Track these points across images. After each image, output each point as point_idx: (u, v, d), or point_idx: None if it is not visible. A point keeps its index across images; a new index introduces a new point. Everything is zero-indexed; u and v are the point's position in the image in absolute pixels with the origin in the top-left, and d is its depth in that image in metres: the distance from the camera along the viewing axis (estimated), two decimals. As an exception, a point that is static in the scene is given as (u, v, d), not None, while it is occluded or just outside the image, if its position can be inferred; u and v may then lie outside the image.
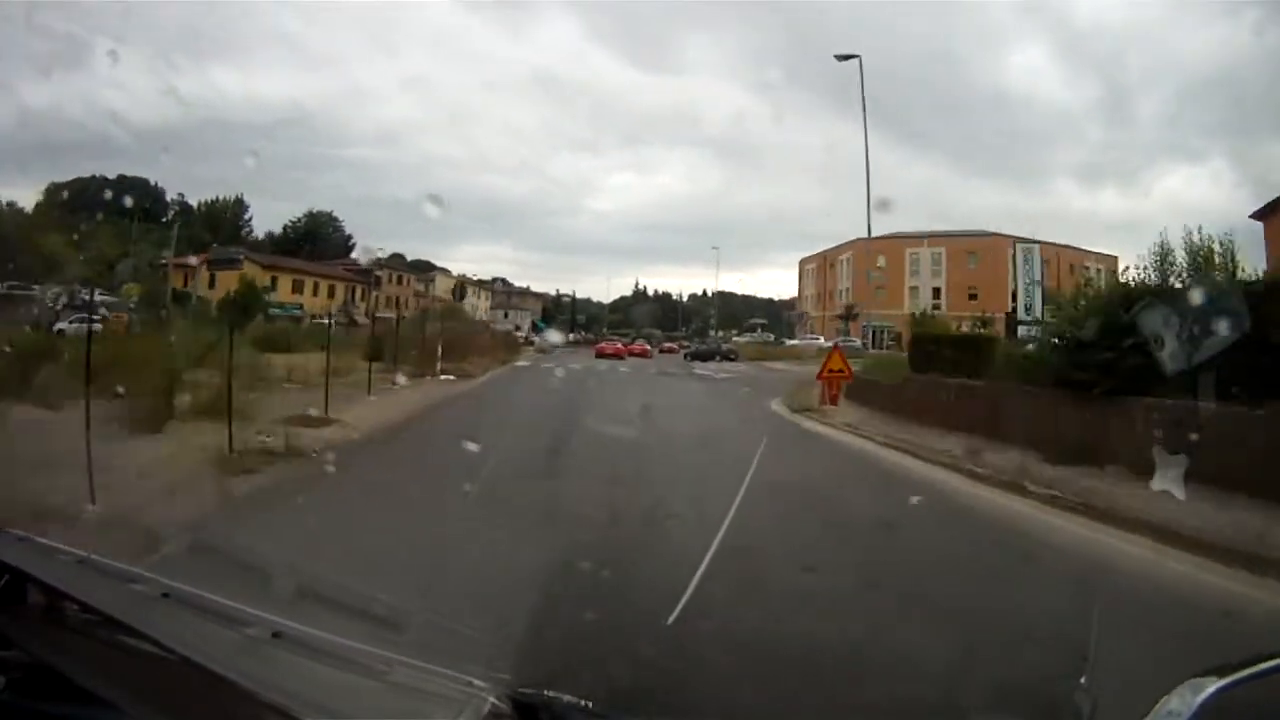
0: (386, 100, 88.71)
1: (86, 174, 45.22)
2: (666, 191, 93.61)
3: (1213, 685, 1.00)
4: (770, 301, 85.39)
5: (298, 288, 48.43)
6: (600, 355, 38.72)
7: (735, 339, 57.89)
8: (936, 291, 51.31)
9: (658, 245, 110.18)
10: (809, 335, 50.14)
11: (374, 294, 53.17)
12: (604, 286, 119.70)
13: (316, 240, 56.48)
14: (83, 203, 40.25)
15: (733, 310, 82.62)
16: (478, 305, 71.05)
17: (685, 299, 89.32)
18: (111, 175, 46.78)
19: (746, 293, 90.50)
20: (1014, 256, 49.80)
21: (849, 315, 49.33)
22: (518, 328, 65.07)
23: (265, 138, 56.72)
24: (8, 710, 1.10)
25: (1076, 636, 2.54)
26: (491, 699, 0.95)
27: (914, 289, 51.69)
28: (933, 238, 51.81)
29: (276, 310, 38.96)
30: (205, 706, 0.98)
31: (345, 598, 1.84)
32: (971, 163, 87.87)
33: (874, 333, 45.34)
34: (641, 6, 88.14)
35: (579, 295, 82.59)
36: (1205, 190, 62.56)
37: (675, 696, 2.23)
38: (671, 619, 2.93)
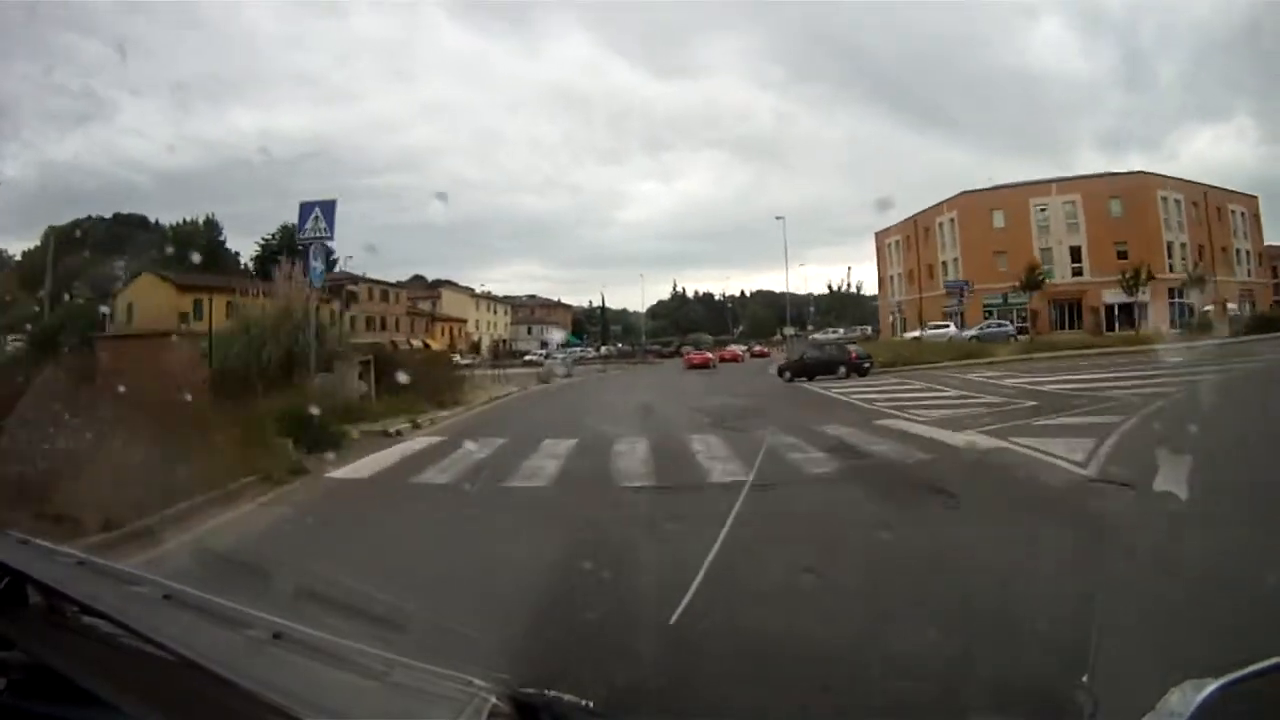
0: (409, 127, 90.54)
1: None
2: (694, 197, 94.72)
3: (1213, 685, 1.00)
4: (814, 296, 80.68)
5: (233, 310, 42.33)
6: (691, 366, 37.53)
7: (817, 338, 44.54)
8: (1075, 252, 39.44)
9: (690, 251, 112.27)
10: (935, 325, 36.79)
11: (344, 314, 45.96)
12: (639, 295, 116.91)
13: (297, 256, 51.99)
14: (86, 243, 41.37)
15: (778, 308, 77.37)
16: (494, 323, 67.31)
17: (728, 300, 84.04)
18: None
19: (788, 290, 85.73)
20: (1163, 201, 38.50)
21: (1032, 283, 37.04)
22: (544, 345, 60.60)
23: (291, 173, 56.70)
24: (8, 711, 1.10)
25: (1076, 634, 2.54)
26: (492, 699, 0.95)
27: (1046, 251, 39.77)
28: (1062, 183, 40.31)
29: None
30: (206, 707, 0.98)
31: (345, 598, 1.85)
32: (993, 141, 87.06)
33: (994, 313, 37.17)
34: (653, 13, 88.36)
35: (614, 306, 79.11)
36: (1231, 149, 61.94)
37: (675, 692, 2.23)
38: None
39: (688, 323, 77.15)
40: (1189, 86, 67.28)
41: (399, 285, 55.12)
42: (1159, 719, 1.02)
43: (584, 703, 1.02)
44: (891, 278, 51.79)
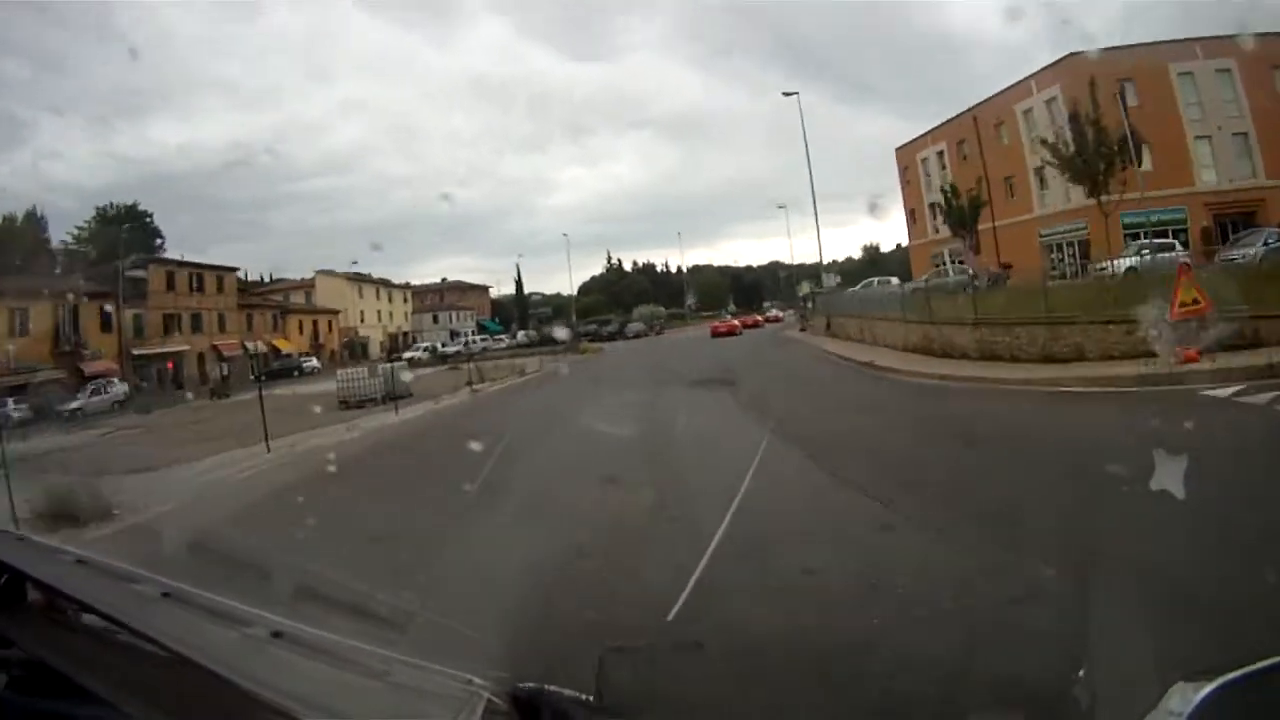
0: (331, 128, 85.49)
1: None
2: (621, 179, 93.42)
3: (1212, 684, 1.00)
4: (748, 269, 75.81)
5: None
6: (716, 334, 36.57)
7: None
8: (1240, 142, 27.85)
9: (621, 234, 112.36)
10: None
11: (119, 311, 35.82)
12: (573, 278, 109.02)
13: (114, 247, 40.75)
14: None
15: (708, 284, 71.73)
16: (390, 313, 57.37)
17: (679, 270, 74.96)
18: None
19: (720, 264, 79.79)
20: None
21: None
22: (454, 335, 52.59)
23: (216, 183, 53.46)
24: (7, 709, 1.11)
25: (1075, 632, 2.55)
26: (490, 696, 0.95)
27: (1202, 140, 27.94)
28: (1208, 42, 27.31)
29: None
30: (205, 706, 0.98)
31: (345, 597, 1.85)
32: (927, 109, 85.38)
33: (1143, 235, 23.89)
34: None
35: (548, 290, 69.86)
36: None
37: (674, 687, 2.23)
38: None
39: (630, 296, 65.97)
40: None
41: (223, 269, 43.53)
42: (1159, 718, 1.02)
43: (583, 696, 1.02)
44: (932, 207, 36.47)
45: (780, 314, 49.25)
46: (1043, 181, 31.06)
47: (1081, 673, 2.13)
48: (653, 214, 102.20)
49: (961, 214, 29.30)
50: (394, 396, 18.68)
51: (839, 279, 36.44)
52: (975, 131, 34.55)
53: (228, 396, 27.97)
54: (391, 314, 58.77)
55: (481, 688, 0.97)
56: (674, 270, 75.69)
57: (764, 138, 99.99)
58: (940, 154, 38.32)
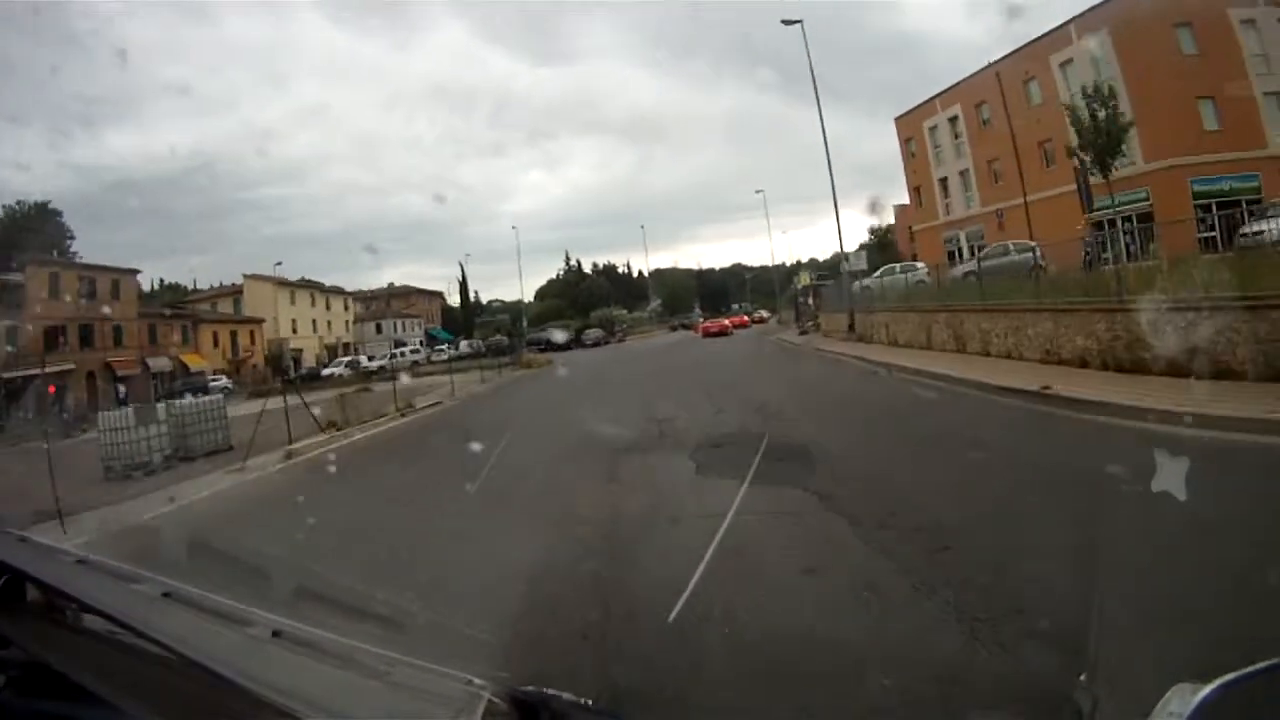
0: (290, 135, 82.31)
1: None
2: (580, 183, 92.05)
3: (1213, 685, 1.00)
4: (711, 271, 72.71)
5: None
6: (708, 334, 35.42)
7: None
8: None
9: (580, 238, 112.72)
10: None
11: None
12: (530, 283, 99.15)
13: (16, 248, 34.62)
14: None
15: (672, 286, 67.44)
16: (329, 321, 51.05)
17: (636, 276, 70.19)
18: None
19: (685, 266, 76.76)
20: None
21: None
22: (398, 347, 46.68)
23: (174, 191, 50.23)
24: (6, 709, 1.10)
25: (1076, 633, 2.54)
26: (491, 697, 0.95)
27: (1271, 97, 23.31)
28: None
29: None
30: (205, 706, 0.99)
31: (345, 597, 1.85)
32: (884, 108, 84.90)
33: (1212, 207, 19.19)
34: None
35: (508, 298, 64.29)
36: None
37: (674, 690, 2.21)
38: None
39: (590, 299, 60.03)
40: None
41: (121, 271, 35.95)
42: None
43: (583, 700, 1.02)
44: (942, 181, 32.23)
45: (765, 315, 47.07)
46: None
47: (1083, 676, 2.12)
48: (614, 218, 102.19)
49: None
50: (187, 456, 13.08)
51: (862, 260, 27.77)
52: (999, 91, 27.98)
53: (83, 432, 19.31)
54: (330, 323, 52.44)
55: (482, 688, 0.97)
56: (636, 274, 70.96)
57: (724, 139, 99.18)
58: (953, 120, 31.84)
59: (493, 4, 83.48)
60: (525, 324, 51.71)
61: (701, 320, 45.10)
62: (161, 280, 54.18)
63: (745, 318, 45.70)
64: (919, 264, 23.98)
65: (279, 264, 50.32)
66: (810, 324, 29.14)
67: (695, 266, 79.32)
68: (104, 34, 64.17)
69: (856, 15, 74.01)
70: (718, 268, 76.74)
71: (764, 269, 62.78)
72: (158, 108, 79.27)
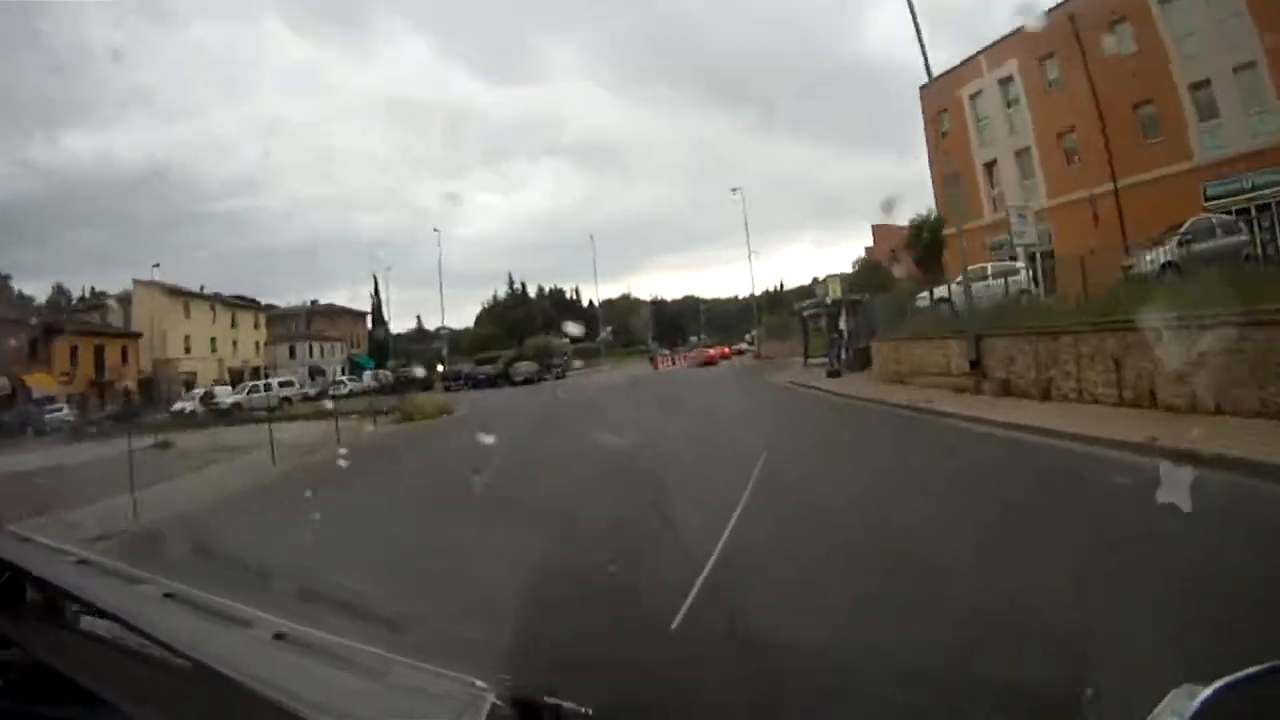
0: (246, 146, 76.90)
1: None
2: (534, 208, 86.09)
3: (1213, 686, 1.00)
4: (668, 303, 66.94)
5: None
6: (707, 363, 35.12)
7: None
8: None
9: (532, 266, 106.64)
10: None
11: None
12: (443, 306, 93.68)
13: None
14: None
15: (626, 315, 61.45)
16: (237, 340, 44.93)
17: (586, 305, 63.11)
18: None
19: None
20: None
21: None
22: (314, 374, 41.93)
23: (124, 199, 45.65)
24: (8, 710, 1.10)
25: (1078, 638, 2.54)
26: (493, 699, 0.95)
27: None
28: None
29: None
30: (206, 707, 0.98)
31: (347, 598, 1.84)
32: (840, 135, 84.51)
33: None
34: (489, 18, 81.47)
35: (456, 326, 56.96)
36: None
37: (675, 692, 2.21)
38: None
39: (533, 326, 52.44)
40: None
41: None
42: None
43: (584, 710, 1.02)
44: (988, 166, 24.40)
45: (744, 346, 45.08)
46: (1205, 109, 18.57)
47: (1089, 690, 2.12)
48: (568, 244, 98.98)
49: None
50: None
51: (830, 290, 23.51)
52: (1075, 39, 19.98)
53: None
54: (236, 342, 45.67)
55: (483, 690, 0.97)
56: (586, 304, 63.31)
57: (678, 168, 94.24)
58: (1005, 81, 23.47)
59: (454, 22, 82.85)
60: (446, 352, 46.02)
61: (664, 353, 43.13)
62: (59, 286, 46.40)
63: (726, 349, 42.86)
64: (1018, 263, 17.83)
65: (156, 265, 41.41)
66: (840, 360, 21.10)
67: (647, 297, 72.49)
68: (62, 36, 62.20)
69: (813, 44, 74.21)
70: (671, 299, 71.50)
71: (717, 301, 61.31)
72: (118, 112, 77.79)
